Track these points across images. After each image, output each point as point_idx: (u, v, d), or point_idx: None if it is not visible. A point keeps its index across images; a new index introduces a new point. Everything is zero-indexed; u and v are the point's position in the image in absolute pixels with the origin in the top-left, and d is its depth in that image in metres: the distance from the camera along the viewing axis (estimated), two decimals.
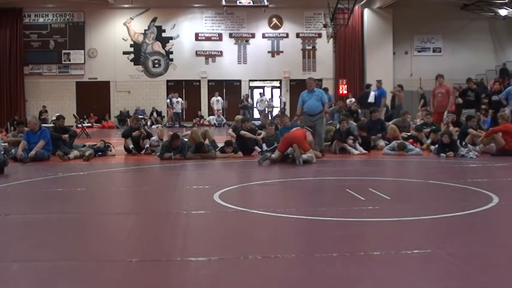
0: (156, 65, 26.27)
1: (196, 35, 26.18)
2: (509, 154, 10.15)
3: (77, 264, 3.72)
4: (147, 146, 11.47)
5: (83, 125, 19.60)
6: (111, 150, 11.34)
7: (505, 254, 3.92)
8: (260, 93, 26.46)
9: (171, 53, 26.24)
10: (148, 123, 24.03)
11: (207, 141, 11.32)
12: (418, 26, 25.94)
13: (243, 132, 11.17)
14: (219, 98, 25.42)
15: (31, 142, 10.46)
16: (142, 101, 26.19)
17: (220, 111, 25.24)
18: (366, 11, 26.01)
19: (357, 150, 11.16)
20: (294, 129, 10.45)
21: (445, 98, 13.34)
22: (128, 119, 23.04)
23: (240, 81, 26.55)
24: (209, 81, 26.34)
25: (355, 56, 26.19)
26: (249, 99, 25.47)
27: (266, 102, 25.64)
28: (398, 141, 11.22)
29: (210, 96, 25.98)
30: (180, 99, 25.05)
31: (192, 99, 26.08)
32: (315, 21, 26.41)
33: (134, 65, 26.13)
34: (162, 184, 8.01)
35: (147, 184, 7.99)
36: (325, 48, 26.15)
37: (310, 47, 26.73)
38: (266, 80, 27.09)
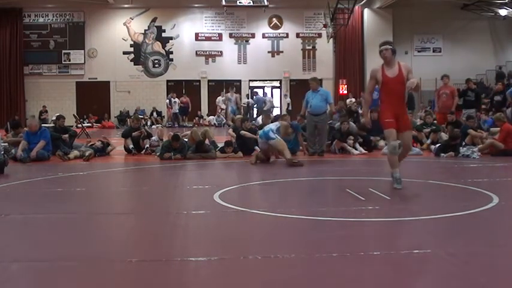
0: (156, 65, 26.28)
1: (196, 35, 26.19)
2: (509, 154, 10.16)
3: (77, 264, 3.71)
4: (147, 146, 11.47)
5: (83, 125, 19.60)
6: (110, 145, 11.42)
7: (505, 254, 3.92)
8: (264, 94, 26.36)
9: (171, 53, 26.25)
10: (148, 123, 24.04)
11: (207, 141, 11.32)
12: (418, 26, 25.95)
13: (243, 132, 11.17)
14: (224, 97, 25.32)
15: (31, 142, 10.47)
16: (143, 101, 26.20)
17: (224, 110, 25.16)
18: (366, 11, 26.03)
19: (356, 150, 11.16)
20: None
21: (449, 98, 13.29)
22: (128, 119, 23.05)
23: (240, 81, 26.55)
24: (209, 81, 26.35)
25: (355, 56, 26.20)
26: (235, 99, 24.88)
27: (270, 103, 25.52)
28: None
29: (210, 96, 25.97)
30: (176, 99, 25.03)
31: (192, 99, 26.08)
32: (315, 21, 26.42)
33: (134, 65, 26.14)
34: (162, 184, 8.01)
35: (147, 184, 7.99)
36: (325, 48, 26.15)
37: (310, 47, 26.74)
38: (266, 80, 27.10)
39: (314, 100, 10.79)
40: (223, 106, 24.80)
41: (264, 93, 26.42)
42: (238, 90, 26.23)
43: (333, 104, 11.50)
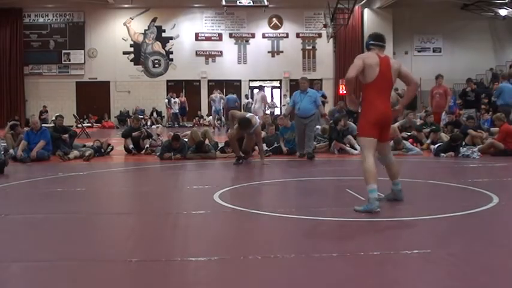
0: (156, 65, 26.28)
1: (196, 35, 26.20)
2: (509, 154, 10.16)
3: (77, 264, 3.71)
4: (147, 146, 11.48)
5: (83, 125, 19.60)
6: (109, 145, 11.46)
7: (505, 254, 3.92)
8: (261, 88, 26.15)
9: (171, 53, 26.25)
10: (149, 123, 24.03)
11: (207, 141, 11.31)
12: (418, 26, 25.96)
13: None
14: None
15: (31, 142, 10.47)
16: (143, 101, 26.20)
17: (221, 111, 25.04)
18: (366, 11, 26.03)
19: (356, 150, 11.14)
20: None
21: (442, 98, 13.40)
22: (128, 119, 23.03)
23: (240, 81, 26.56)
24: (209, 81, 26.35)
25: (355, 56, 25.49)
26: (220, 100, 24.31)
27: (260, 102, 25.17)
28: (394, 138, 11.16)
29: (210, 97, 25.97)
30: (177, 99, 24.99)
31: (192, 99, 26.08)
32: (315, 21, 26.42)
33: (134, 65, 26.15)
34: (162, 184, 8.01)
35: (147, 184, 7.99)
36: (325, 48, 26.15)
37: (310, 47, 26.74)
38: (266, 80, 27.09)
39: (303, 102, 10.33)
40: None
41: (261, 88, 26.13)
42: (239, 91, 26.19)
43: (321, 106, 11.04)
